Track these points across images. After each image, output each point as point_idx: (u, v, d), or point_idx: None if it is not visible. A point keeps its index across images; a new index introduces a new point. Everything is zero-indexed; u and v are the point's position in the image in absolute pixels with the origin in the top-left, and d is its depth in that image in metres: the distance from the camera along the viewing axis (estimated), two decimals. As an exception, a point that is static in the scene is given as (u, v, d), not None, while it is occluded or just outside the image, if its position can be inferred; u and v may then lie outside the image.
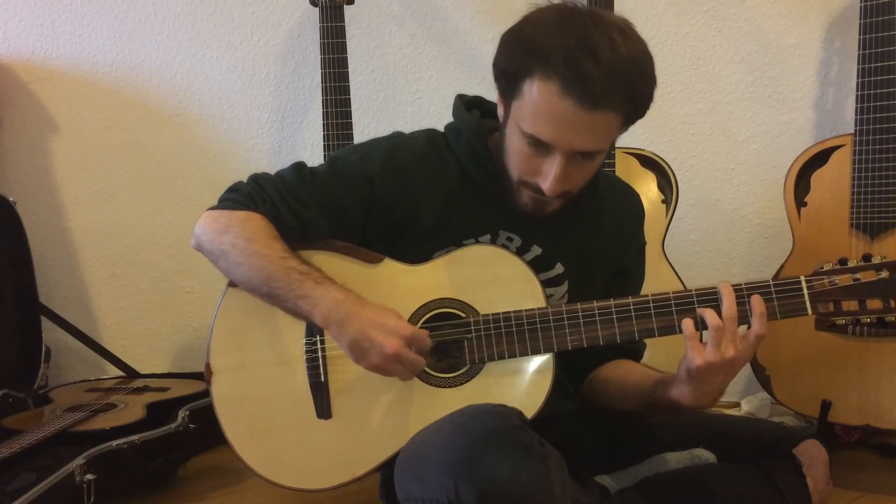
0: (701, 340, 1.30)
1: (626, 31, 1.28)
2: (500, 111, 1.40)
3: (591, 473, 1.46)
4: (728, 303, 1.29)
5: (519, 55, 1.30)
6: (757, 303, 1.30)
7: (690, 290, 1.34)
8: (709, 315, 1.29)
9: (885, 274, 1.30)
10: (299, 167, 1.47)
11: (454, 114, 1.49)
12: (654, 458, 1.47)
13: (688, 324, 1.30)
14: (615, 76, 1.24)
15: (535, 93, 1.28)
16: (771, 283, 1.32)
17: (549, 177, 1.33)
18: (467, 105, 1.49)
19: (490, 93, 1.45)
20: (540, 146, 1.32)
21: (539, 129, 1.30)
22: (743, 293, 1.31)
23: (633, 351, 1.56)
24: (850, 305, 1.32)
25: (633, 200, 1.60)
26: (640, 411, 1.46)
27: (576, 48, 1.24)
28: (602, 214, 1.52)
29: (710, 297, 1.32)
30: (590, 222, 1.51)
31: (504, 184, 1.43)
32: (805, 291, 1.31)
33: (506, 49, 1.33)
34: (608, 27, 1.26)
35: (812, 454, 1.41)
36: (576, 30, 1.25)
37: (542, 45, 1.27)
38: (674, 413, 1.39)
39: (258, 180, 1.47)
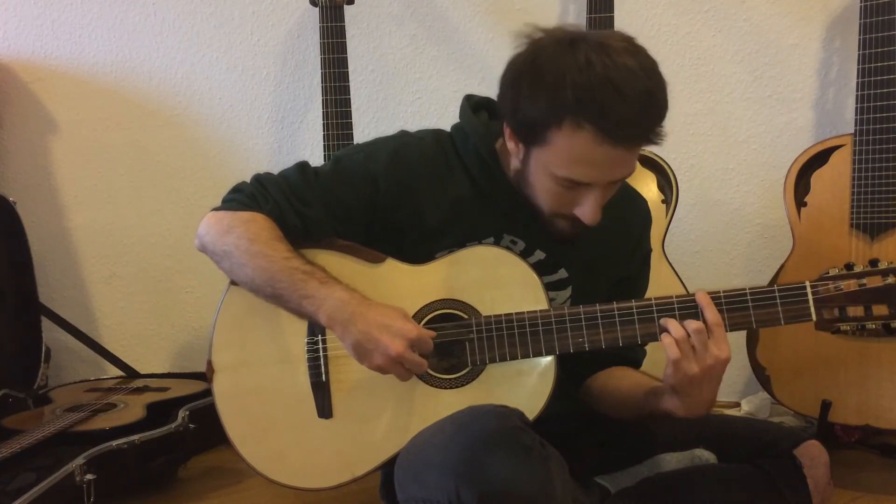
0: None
1: (633, 50, 1.25)
2: (514, 147, 1.36)
3: (592, 474, 1.46)
4: (709, 313, 1.29)
5: (542, 106, 1.26)
6: (701, 296, 1.30)
7: (693, 295, 1.33)
8: (673, 328, 1.29)
9: (891, 279, 1.28)
10: (303, 167, 1.47)
11: (461, 116, 1.48)
12: (655, 458, 1.48)
13: (668, 340, 1.29)
14: (645, 110, 1.24)
15: (568, 141, 1.25)
16: (776, 288, 1.32)
17: (588, 211, 1.33)
18: (475, 107, 1.47)
19: (490, 92, 1.45)
20: (576, 185, 1.31)
21: (576, 173, 1.29)
22: (721, 301, 1.31)
23: (633, 359, 1.55)
24: (856, 311, 1.30)
25: (639, 206, 1.58)
26: (633, 419, 1.46)
27: (601, 90, 1.21)
28: (608, 219, 1.51)
29: (716, 302, 1.31)
30: (595, 227, 1.50)
31: (510, 188, 1.43)
32: (810, 297, 1.30)
33: (525, 98, 1.28)
34: (619, 53, 1.23)
35: (812, 454, 1.41)
36: (594, 69, 1.22)
37: (565, 93, 1.23)
38: (667, 421, 1.39)
39: (261, 180, 1.46)
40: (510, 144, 1.37)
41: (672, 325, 1.29)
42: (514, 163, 1.39)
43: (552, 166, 1.30)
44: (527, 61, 1.29)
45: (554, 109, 1.25)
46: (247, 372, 1.45)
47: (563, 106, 1.24)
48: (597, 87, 1.21)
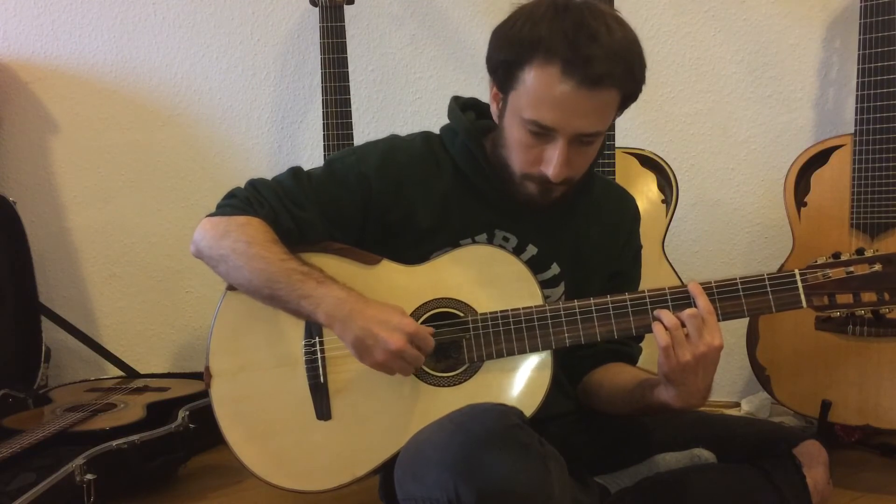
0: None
1: (619, 20, 1.32)
2: (495, 108, 1.41)
3: (591, 473, 1.46)
4: (702, 301, 1.31)
5: (517, 44, 1.31)
6: (693, 286, 1.32)
7: (685, 286, 1.35)
8: (665, 317, 1.30)
9: (877, 267, 1.31)
10: (296, 171, 1.48)
11: (449, 115, 1.50)
12: (654, 458, 1.48)
13: (658, 328, 1.30)
14: (614, 54, 1.27)
15: (537, 78, 1.29)
16: (766, 276, 1.33)
17: (552, 162, 1.33)
18: (462, 107, 1.50)
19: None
20: (542, 133, 1.32)
21: (542, 115, 1.31)
22: (713, 291, 1.33)
23: (628, 354, 1.55)
24: (845, 298, 1.33)
25: (628, 204, 1.60)
26: (633, 414, 1.46)
27: (574, 32, 1.26)
28: (597, 217, 1.53)
29: (708, 293, 1.33)
30: (585, 224, 1.51)
31: (500, 183, 1.44)
32: (799, 284, 1.32)
33: (502, 41, 1.34)
34: (603, 15, 1.30)
35: (812, 454, 1.41)
36: (572, 17, 1.28)
37: (540, 32, 1.28)
38: (668, 414, 1.40)
39: (255, 185, 1.47)
40: (494, 108, 1.40)
41: (664, 314, 1.31)
42: (498, 133, 1.40)
43: (522, 110, 1.32)
44: (511, 15, 1.34)
45: (527, 47, 1.29)
46: (244, 377, 1.45)
47: (535, 43, 1.28)
48: (570, 28, 1.27)
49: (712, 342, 1.28)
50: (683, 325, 1.29)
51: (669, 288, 1.35)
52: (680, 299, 1.33)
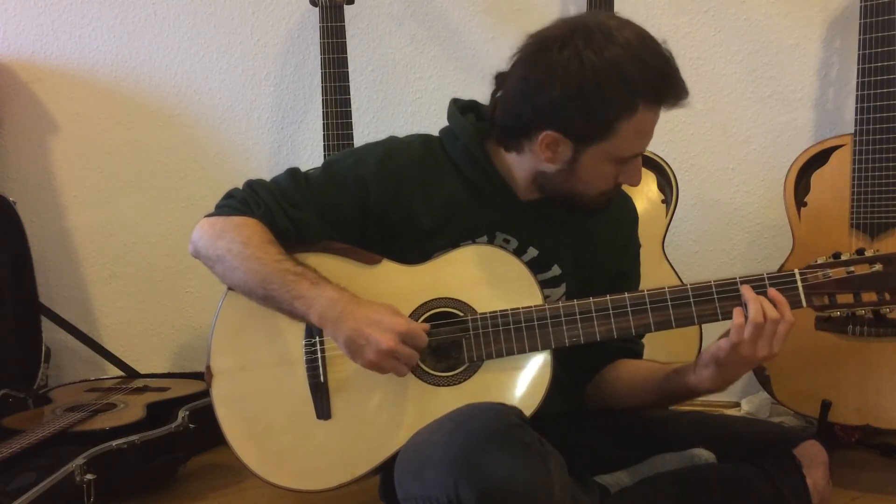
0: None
1: (615, 16, 1.39)
2: (551, 154, 1.37)
3: (591, 473, 1.46)
4: (767, 304, 1.32)
5: (618, 100, 1.31)
6: (774, 293, 1.32)
7: (686, 286, 1.36)
8: (752, 309, 1.30)
9: (878, 267, 1.32)
10: (294, 172, 1.49)
11: (449, 118, 1.50)
12: (654, 457, 1.48)
13: (738, 312, 1.31)
14: (673, 61, 1.34)
15: (638, 122, 1.33)
16: (765, 275, 1.34)
17: (636, 173, 1.41)
18: (462, 109, 1.50)
19: (490, 91, 1.45)
20: (633, 158, 1.38)
21: (639, 147, 1.38)
22: (711, 291, 1.34)
23: (635, 351, 1.56)
24: (845, 298, 1.34)
25: (627, 205, 1.61)
26: (652, 404, 1.48)
27: (654, 61, 1.31)
28: (598, 217, 1.53)
29: (706, 294, 1.34)
30: (585, 225, 1.52)
31: (502, 185, 1.45)
32: (799, 284, 1.33)
33: (597, 101, 1.30)
34: (620, 25, 1.34)
35: (812, 454, 1.42)
36: (633, 45, 1.31)
37: (634, 81, 1.30)
38: (687, 400, 1.44)
39: (253, 186, 1.48)
40: (547, 153, 1.37)
41: (752, 304, 1.31)
42: (548, 167, 1.40)
43: (619, 151, 1.36)
44: (573, 68, 1.30)
45: (629, 99, 1.31)
46: (245, 376, 1.46)
47: (637, 92, 1.31)
48: (652, 61, 1.31)
49: (773, 351, 1.32)
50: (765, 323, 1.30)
51: (669, 288, 1.36)
52: (681, 300, 1.34)
